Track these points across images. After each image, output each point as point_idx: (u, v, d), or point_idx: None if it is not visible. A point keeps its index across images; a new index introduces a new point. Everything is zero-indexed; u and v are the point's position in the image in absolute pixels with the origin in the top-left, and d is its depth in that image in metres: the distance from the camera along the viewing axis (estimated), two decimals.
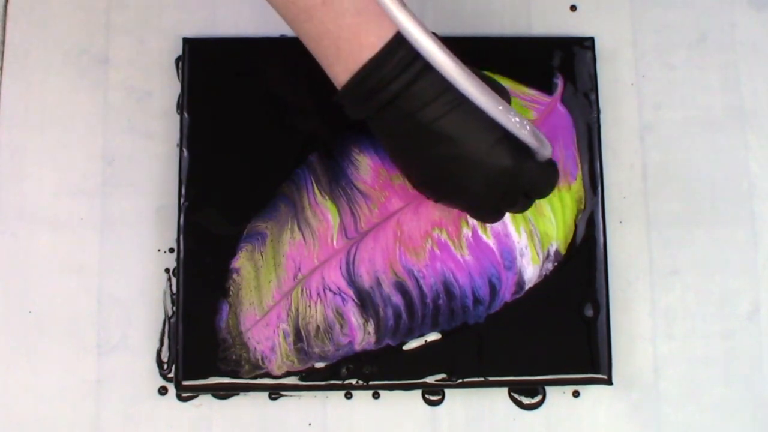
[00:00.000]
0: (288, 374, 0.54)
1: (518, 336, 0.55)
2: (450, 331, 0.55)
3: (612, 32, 0.61)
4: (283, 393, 0.55)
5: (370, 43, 0.42)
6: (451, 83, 0.42)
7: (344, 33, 0.42)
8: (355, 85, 0.42)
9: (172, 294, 0.56)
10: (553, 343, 0.55)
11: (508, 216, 0.56)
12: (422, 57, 0.42)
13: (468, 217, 0.56)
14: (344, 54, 0.42)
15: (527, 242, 0.56)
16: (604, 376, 0.55)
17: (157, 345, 0.56)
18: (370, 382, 0.55)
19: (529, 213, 0.56)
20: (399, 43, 0.42)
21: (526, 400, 0.56)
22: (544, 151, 0.45)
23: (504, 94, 0.46)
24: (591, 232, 0.56)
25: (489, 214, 0.48)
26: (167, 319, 0.56)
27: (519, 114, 0.43)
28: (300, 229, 0.56)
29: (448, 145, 0.43)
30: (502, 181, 0.45)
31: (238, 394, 0.55)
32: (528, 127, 0.43)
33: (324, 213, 0.56)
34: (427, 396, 0.56)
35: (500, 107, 0.42)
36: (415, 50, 0.42)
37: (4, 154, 0.58)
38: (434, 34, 0.42)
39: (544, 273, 0.56)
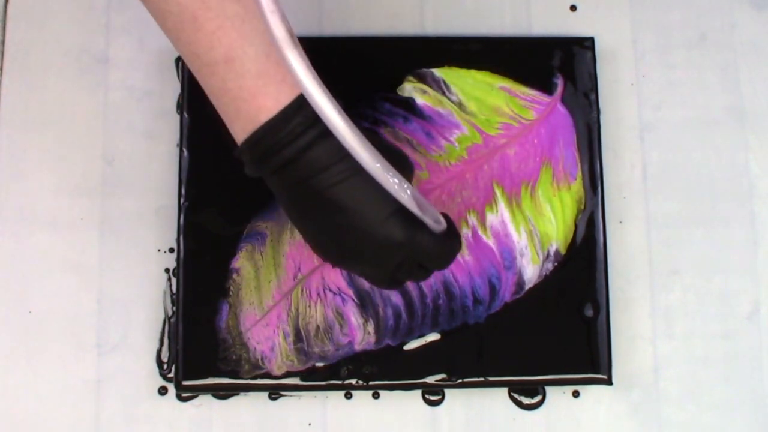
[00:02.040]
0: (288, 374, 0.54)
1: (518, 336, 0.55)
2: (450, 331, 0.55)
3: (612, 32, 0.61)
4: (283, 393, 0.55)
5: (267, 107, 0.41)
6: (346, 153, 0.42)
7: (243, 93, 0.41)
8: (249, 147, 0.42)
9: (172, 294, 0.56)
10: (553, 343, 0.55)
11: (508, 216, 0.56)
12: (318, 125, 0.41)
13: (468, 217, 0.56)
14: (242, 114, 0.42)
15: (527, 242, 0.56)
16: (604, 376, 0.55)
17: (157, 345, 0.56)
18: (370, 382, 0.55)
19: (528, 213, 0.56)
20: (296, 109, 0.41)
21: (526, 400, 0.56)
22: (432, 222, 0.44)
23: (406, 167, 0.46)
24: (591, 232, 0.56)
25: (385, 282, 0.48)
26: (167, 319, 0.56)
27: (402, 179, 0.43)
28: None
29: (341, 214, 0.43)
30: (395, 253, 0.44)
31: (238, 394, 0.55)
32: (408, 192, 0.43)
33: None
34: (427, 396, 0.56)
35: (378, 164, 0.41)
36: (311, 118, 0.41)
37: (4, 154, 0.58)
38: (336, 99, 0.42)
39: (544, 273, 0.56)
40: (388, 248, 0.43)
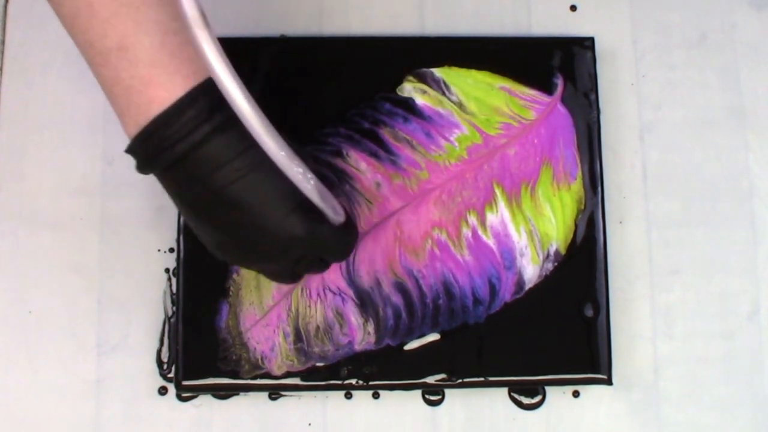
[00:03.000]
0: (288, 374, 0.54)
1: (518, 336, 0.55)
2: (450, 331, 0.55)
3: (612, 32, 0.61)
4: (283, 393, 0.55)
5: (159, 98, 0.40)
6: (243, 149, 0.40)
7: (136, 83, 0.40)
8: (141, 141, 0.40)
9: (172, 294, 0.56)
10: (553, 343, 0.55)
11: (508, 216, 0.56)
12: (214, 119, 0.40)
13: (468, 217, 0.56)
14: (134, 106, 0.40)
15: (527, 242, 0.56)
16: (604, 376, 0.55)
17: (157, 345, 0.56)
18: (370, 382, 0.55)
19: (528, 213, 0.56)
20: (190, 101, 0.40)
21: (526, 400, 0.56)
22: (332, 213, 0.43)
23: (306, 161, 0.45)
24: (591, 232, 0.56)
25: (286, 278, 0.47)
26: (167, 319, 0.56)
27: (306, 168, 0.41)
28: None
29: (239, 212, 0.41)
30: (296, 248, 0.43)
31: (238, 394, 0.55)
32: (312, 182, 0.41)
33: None
34: (427, 396, 0.56)
35: (282, 152, 0.40)
36: (206, 111, 0.40)
37: (4, 154, 0.58)
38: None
39: (544, 273, 0.56)
40: (289, 244, 0.42)
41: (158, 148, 0.40)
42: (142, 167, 0.42)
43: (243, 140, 0.40)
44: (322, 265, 0.48)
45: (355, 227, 0.47)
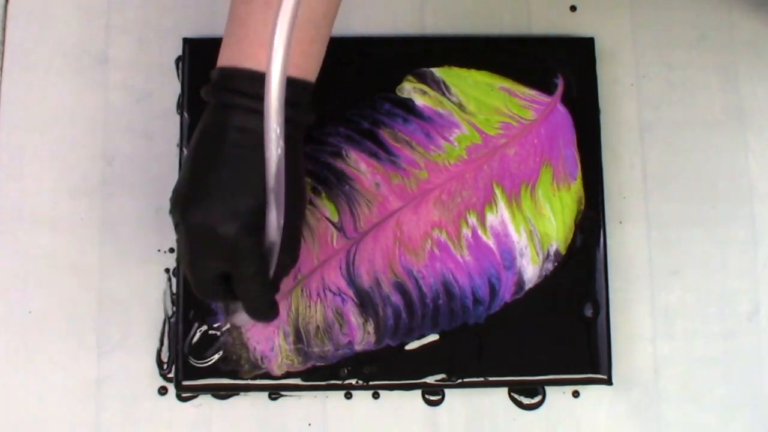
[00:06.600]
0: (288, 374, 0.54)
1: (518, 336, 0.55)
2: (450, 331, 0.55)
3: (612, 32, 0.61)
4: (283, 393, 0.55)
5: (258, 59, 0.45)
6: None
7: (252, 37, 0.45)
8: (219, 73, 0.46)
9: (172, 294, 0.56)
10: (553, 343, 0.55)
11: (507, 216, 0.56)
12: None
13: (468, 217, 0.56)
14: (238, 47, 0.45)
15: (527, 242, 0.56)
16: (604, 376, 0.55)
17: (157, 345, 0.56)
18: (370, 382, 0.55)
19: (528, 213, 0.56)
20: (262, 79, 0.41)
21: (526, 400, 0.56)
22: (273, 219, 0.43)
23: (300, 202, 0.48)
24: (591, 231, 0.56)
25: (190, 274, 0.47)
26: (167, 319, 0.56)
27: (282, 137, 0.41)
28: None
29: (214, 171, 0.44)
30: (213, 243, 0.44)
31: (238, 394, 0.55)
32: (279, 151, 0.41)
33: (323, 213, 0.56)
34: (427, 396, 0.56)
35: (276, 104, 0.39)
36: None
37: (4, 154, 0.58)
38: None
39: (544, 273, 0.56)
40: (213, 227, 0.44)
41: (223, 86, 0.46)
42: (207, 89, 0.47)
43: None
44: (225, 293, 0.47)
45: (276, 283, 0.48)
